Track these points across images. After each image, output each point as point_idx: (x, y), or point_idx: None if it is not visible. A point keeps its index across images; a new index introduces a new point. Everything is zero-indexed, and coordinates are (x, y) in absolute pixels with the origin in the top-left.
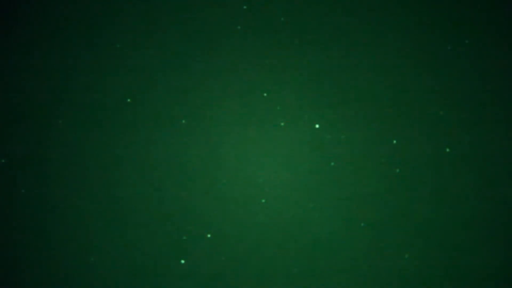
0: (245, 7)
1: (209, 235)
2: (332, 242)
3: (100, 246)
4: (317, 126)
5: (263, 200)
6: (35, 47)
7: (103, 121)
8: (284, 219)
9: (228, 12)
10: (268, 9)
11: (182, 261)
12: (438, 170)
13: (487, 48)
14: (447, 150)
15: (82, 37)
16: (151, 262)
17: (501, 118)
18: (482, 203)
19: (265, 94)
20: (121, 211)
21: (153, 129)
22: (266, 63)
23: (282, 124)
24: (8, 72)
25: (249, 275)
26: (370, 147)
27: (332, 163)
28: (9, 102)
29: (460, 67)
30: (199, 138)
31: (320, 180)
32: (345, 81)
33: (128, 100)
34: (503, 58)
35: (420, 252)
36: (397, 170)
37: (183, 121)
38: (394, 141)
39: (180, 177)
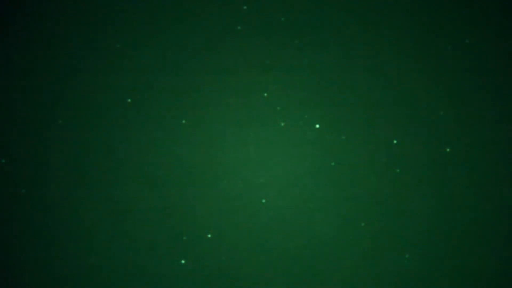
0: (245, 7)
1: (209, 235)
2: (332, 242)
3: (100, 246)
4: (317, 126)
5: (263, 200)
6: (35, 47)
7: (103, 121)
8: (284, 219)
9: (228, 12)
10: (268, 9)
11: (182, 261)
12: (438, 170)
13: (487, 48)
14: (447, 150)
15: (82, 37)
16: (151, 262)
17: (501, 118)
18: (482, 203)
19: (265, 94)
20: (121, 211)
21: (153, 129)
22: (266, 63)
23: (282, 124)
24: (8, 72)
25: (249, 275)
26: (370, 147)
27: (332, 163)
28: (9, 102)
29: (460, 67)
30: (199, 138)
31: (320, 180)
32: (345, 81)
33: (128, 100)
34: (503, 58)
35: (420, 252)
36: (397, 170)
37: (183, 121)
38: (394, 141)
39: (180, 177)
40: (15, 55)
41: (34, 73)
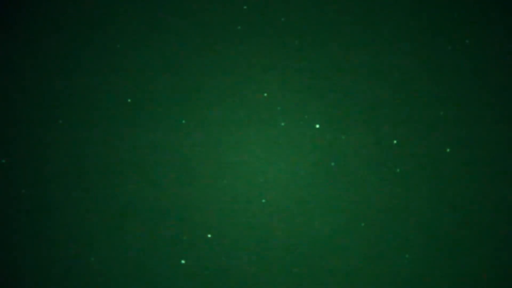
0: (245, 7)
1: (209, 235)
2: (332, 242)
3: (100, 246)
4: (317, 126)
5: (263, 200)
6: (35, 47)
7: (103, 121)
8: (284, 219)
9: (228, 12)
10: (268, 9)
11: (182, 261)
12: (438, 170)
13: (487, 48)
14: (447, 150)
15: (82, 37)
16: (151, 262)
17: (501, 118)
18: (482, 203)
19: (265, 94)
20: (121, 211)
21: (153, 129)
22: (266, 63)
23: (282, 124)
24: (8, 72)
25: (249, 275)
26: (370, 147)
27: (332, 163)
28: (9, 102)
29: (460, 67)
30: (199, 138)
31: (320, 180)
32: (345, 81)
33: (128, 100)
34: (503, 58)
35: (420, 252)
36: (397, 170)
37: (183, 121)
38: (394, 141)
39: (180, 177)
40: (15, 55)
41: (34, 73)
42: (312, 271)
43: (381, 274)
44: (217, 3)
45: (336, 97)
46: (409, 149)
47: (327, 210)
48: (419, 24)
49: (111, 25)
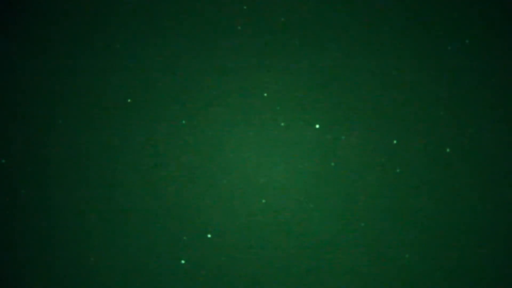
0: (245, 7)
1: (209, 235)
2: (332, 242)
3: (100, 246)
4: (317, 126)
5: (263, 200)
6: (35, 47)
7: (103, 121)
8: (284, 219)
9: (228, 12)
10: (268, 9)
11: (182, 261)
12: (438, 170)
13: (487, 48)
14: (447, 150)
15: (82, 37)
16: (151, 262)
17: (501, 118)
18: (482, 203)
19: (265, 94)
20: (121, 211)
21: (153, 129)
22: (266, 63)
23: (282, 124)
24: (8, 72)
25: (249, 275)
26: (370, 147)
27: (332, 163)
28: (9, 102)
29: (460, 67)
30: (199, 138)
31: (320, 180)
32: (345, 81)
33: (128, 100)
34: (503, 58)
35: (420, 252)
36: (397, 170)
37: (183, 121)
38: (394, 141)
39: (180, 177)
40: (15, 55)
41: (34, 73)
42: (312, 271)
43: (381, 274)
44: (217, 3)
45: (336, 97)
46: (409, 149)
47: (327, 210)
48: (419, 24)
49: (111, 25)
